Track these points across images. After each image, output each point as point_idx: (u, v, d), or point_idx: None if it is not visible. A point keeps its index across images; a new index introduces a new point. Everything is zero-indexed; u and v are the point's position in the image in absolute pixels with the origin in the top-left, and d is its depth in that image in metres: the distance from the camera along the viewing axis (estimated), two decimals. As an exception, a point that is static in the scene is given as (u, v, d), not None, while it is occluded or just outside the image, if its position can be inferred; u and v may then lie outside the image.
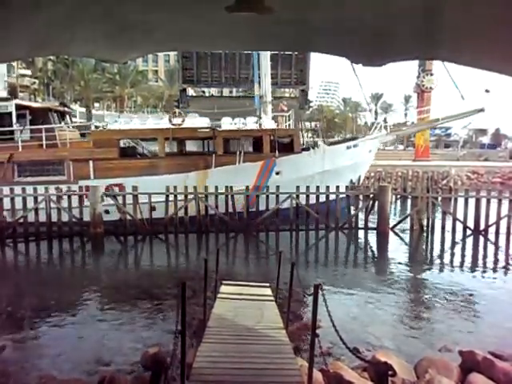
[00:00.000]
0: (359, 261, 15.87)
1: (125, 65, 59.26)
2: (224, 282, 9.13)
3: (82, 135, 21.49)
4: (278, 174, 18.91)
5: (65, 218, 17.61)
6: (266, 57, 21.83)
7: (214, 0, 3.79)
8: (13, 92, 42.34)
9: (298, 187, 17.75)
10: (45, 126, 19.31)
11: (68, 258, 16.43)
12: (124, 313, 9.94)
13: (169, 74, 75.97)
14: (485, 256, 16.03)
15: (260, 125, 20.27)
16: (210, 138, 19.89)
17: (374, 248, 17.18)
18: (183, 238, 17.48)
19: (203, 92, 35.81)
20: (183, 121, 19.65)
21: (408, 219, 18.45)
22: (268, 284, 9.16)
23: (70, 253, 16.80)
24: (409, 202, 20.45)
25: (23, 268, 15.46)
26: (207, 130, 19.45)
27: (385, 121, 23.36)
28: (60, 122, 21.86)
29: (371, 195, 18.02)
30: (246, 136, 19.98)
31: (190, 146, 23.43)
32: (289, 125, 21.97)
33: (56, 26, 3.84)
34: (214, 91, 38.00)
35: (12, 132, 19.38)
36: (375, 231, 17.74)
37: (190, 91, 31.05)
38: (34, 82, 58.44)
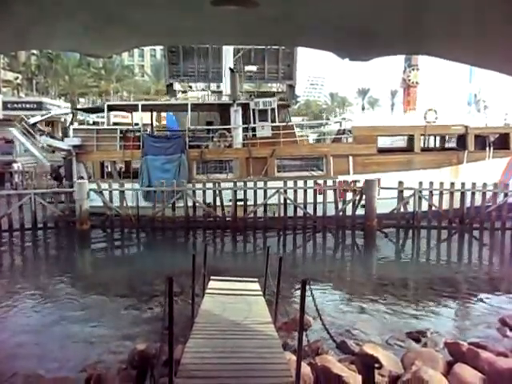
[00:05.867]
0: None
1: (110, 59, 58.48)
2: (212, 277, 9.11)
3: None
4: None
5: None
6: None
7: (199, -7, 3.75)
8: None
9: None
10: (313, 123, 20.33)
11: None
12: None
13: (155, 68, 75.20)
14: (469, 249, 16.37)
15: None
16: (461, 135, 20.25)
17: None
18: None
19: (190, 87, 35.51)
20: (437, 118, 19.81)
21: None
22: (256, 279, 9.17)
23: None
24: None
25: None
26: (459, 127, 19.89)
27: None
28: (290, 118, 22.29)
29: (358, 189, 18.14)
30: (494, 133, 20.41)
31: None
32: None
33: (35, 19, 3.76)
34: (201, 86, 37.68)
35: (254, 129, 19.91)
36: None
37: (177, 86, 30.77)
38: (17, 77, 57.31)
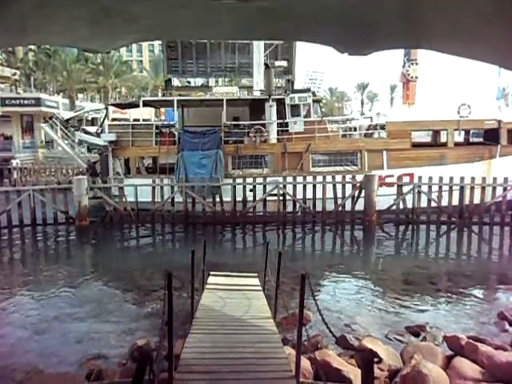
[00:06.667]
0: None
1: (108, 55, 58.22)
2: (212, 272, 9.13)
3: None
4: None
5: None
6: None
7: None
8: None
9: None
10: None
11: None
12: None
13: (153, 64, 75.05)
14: (468, 243, 16.37)
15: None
16: (494, 130, 20.14)
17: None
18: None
19: (189, 82, 35.43)
20: (470, 112, 19.85)
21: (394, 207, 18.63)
22: (256, 274, 9.18)
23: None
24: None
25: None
26: (492, 121, 19.87)
27: None
28: (321, 113, 22.53)
29: (358, 184, 18.14)
30: None
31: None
32: None
33: (33, 15, 3.73)
34: (199, 81, 37.58)
35: (286, 124, 19.86)
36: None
37: (176, 81, 30.69)
38: (15, 73, 57.08)
